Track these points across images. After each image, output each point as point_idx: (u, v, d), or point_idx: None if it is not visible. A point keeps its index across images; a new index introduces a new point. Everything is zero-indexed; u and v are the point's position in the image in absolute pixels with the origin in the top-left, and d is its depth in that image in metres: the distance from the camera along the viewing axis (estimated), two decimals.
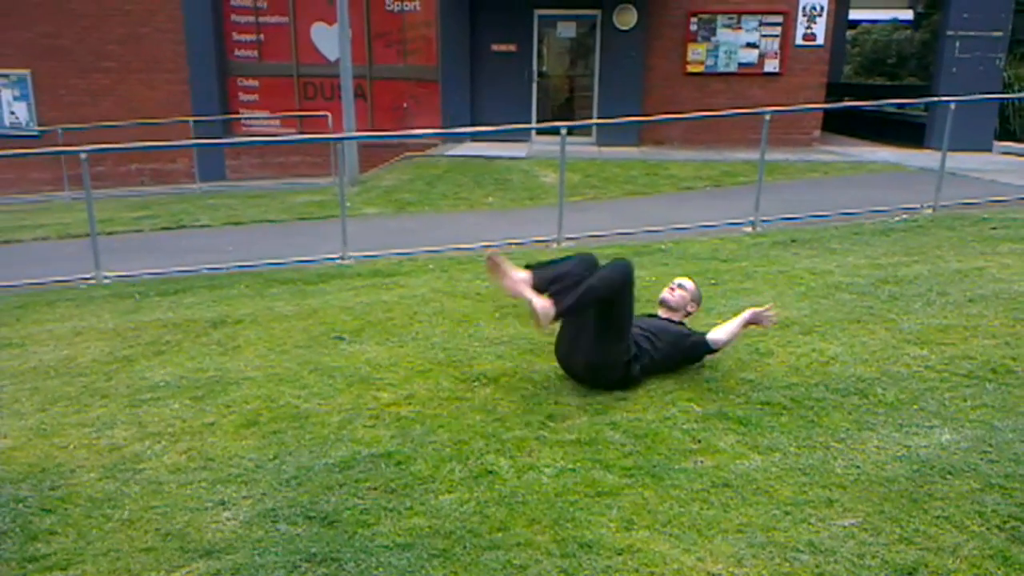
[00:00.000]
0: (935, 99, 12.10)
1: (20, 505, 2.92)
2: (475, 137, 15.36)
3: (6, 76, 16.32)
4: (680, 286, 4.09)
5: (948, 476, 2.83)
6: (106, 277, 6.99)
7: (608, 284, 3.53)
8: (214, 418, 3.65)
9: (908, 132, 15.98)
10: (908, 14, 26.18)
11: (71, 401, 3.98)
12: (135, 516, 2.81)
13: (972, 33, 14.39)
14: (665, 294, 4.10)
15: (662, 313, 4.08)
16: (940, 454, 2.99)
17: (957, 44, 14.49)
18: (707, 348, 3.84)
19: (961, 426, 3.23)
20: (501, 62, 15.22)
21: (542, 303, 3.48)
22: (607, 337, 3.61)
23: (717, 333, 3.84)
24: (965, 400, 3.47)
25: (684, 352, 3.88)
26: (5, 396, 4.12)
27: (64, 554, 2.59)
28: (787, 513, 2.65)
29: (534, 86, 15.43)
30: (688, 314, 4.11)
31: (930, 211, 8.14)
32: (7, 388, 4.25)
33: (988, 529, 2.51)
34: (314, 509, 2.79)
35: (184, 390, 4.03)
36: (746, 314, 3.88)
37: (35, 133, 16.12)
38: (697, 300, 4.15)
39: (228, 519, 2.76)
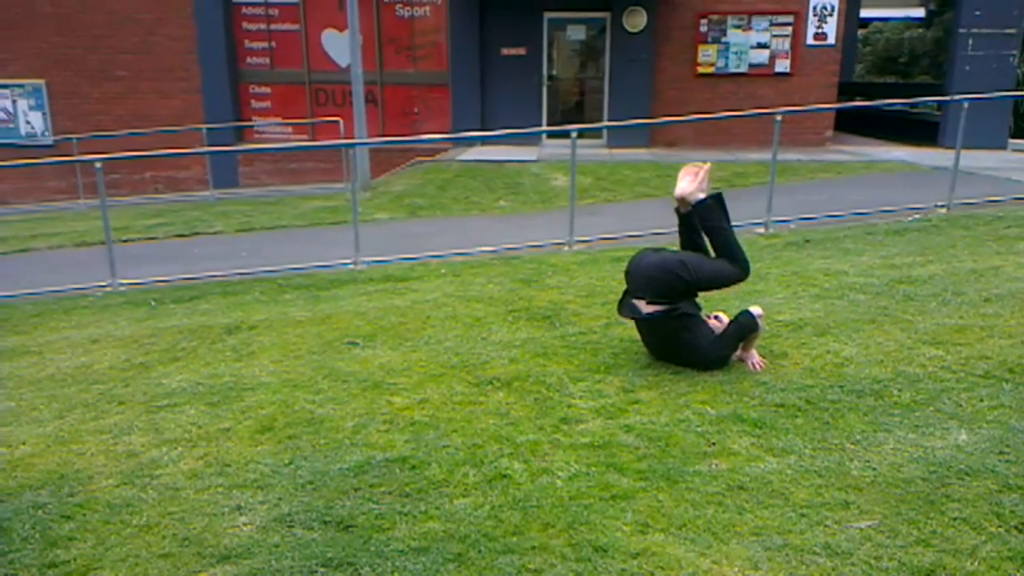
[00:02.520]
0: (948, 98, 12.02)
1: (40, 511, 2.95)
2: (485, 141, 15.39)
3: (21, 86, 16.49)
4: (716, 317, 4.15)
5: (965, 477, 2.81)
6: (122, 284, 7.04)
7: (732, 243, 4.02)
8: (230, 424, 3.68)
9: (921, 131, 15.87)
10: (920, 12, 26.04)
11: (88, 408, 4.02)
12: (153, 522, 2.84)
13: (985, 30, 14.29)
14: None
15: None
16: (957, 455, 2.97)
17: (970, 41, 14.38)
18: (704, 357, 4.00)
19: (978, 427, 3.20)
20: (511, 66, 15.25)
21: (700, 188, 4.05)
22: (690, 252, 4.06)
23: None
24: (982, 400, 3.45)
25: (692, 341, 3.99)
26: (24, 403, 4.17)
27: (83, 560, 2.62)
28: (803, 516, 2.64)
29: (544, 89, 15.44)
30: None
31: (944, 210, 8.08)
32: (25, 396, 4.29)
33: (1006, 530, 2.49)
34: (330, 514, 2.80)
35: (200, 396, 4.06)
36: None
37: (50, 142, 16.28)
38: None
39: (245, 524, 2.78)
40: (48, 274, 7.83)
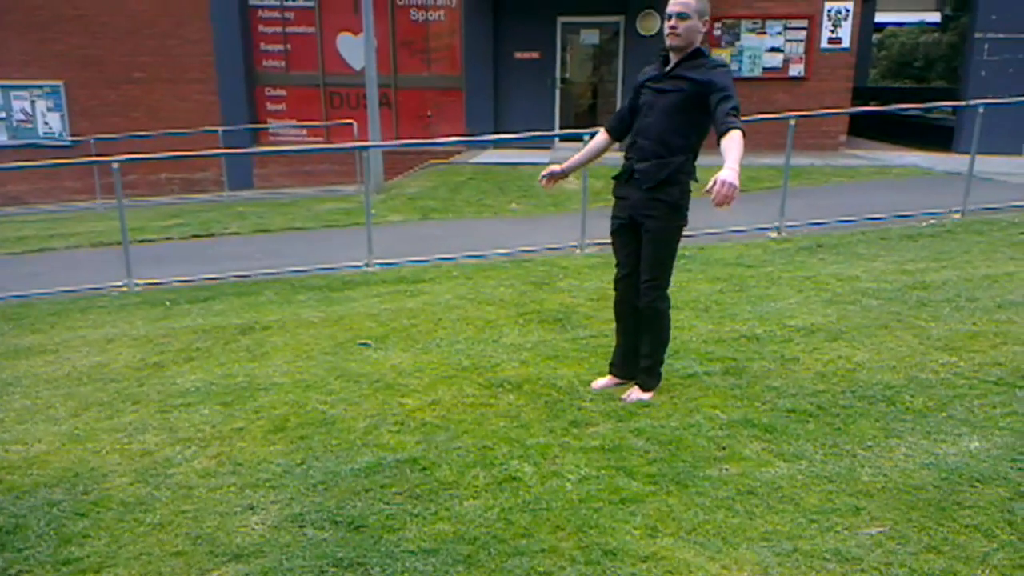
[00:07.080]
0: (963, 103, 11.94)
1: (54, 509, 2.99)
2: (499, 144, 15.41)
3: (40, 87, 16.67)
4: (679, 16, 3.48)
5: (977, 484, 2.80)
6: (137, 284, 7.10)
7: None
8: (243, 423, 3.71)
9: (936, 136, 15.78)
10: (935, 16, 25.90)
11: (103, 407, 4.06)
12: (166, 520, 2.86)
13: (1001, 35, 14.18)
14: (669, 41, 3.56)
15: (674, 57, 3.62)
16: (969, 462, 2.96)
17: (986, 46, 14.28)
18: (723, 123, 3.48)
19: (990, 433, 3.19)
20: (524, 69, 15.28)
21: None
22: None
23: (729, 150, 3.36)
24: (994, 407, 3.43)
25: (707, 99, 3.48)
26: (39, 402, 4.21)
27: (97, 557, 2.65)
28: (813, 521, 2.64)
29: (557, 93, 15.46)
30: (701, 33, 3.55)
31: (958, 216, 8.03)
32: (41, 394, 4.34)
33: (1018, 538, 2.47)
34: (341, 514, 2.82)
35: (214, 396, 4.09)
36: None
37: (67, 143, 16.44)
38: (701, 12, 3.51)
39: (256, 523, 2.81)
40: (65, 274, 7.90)
